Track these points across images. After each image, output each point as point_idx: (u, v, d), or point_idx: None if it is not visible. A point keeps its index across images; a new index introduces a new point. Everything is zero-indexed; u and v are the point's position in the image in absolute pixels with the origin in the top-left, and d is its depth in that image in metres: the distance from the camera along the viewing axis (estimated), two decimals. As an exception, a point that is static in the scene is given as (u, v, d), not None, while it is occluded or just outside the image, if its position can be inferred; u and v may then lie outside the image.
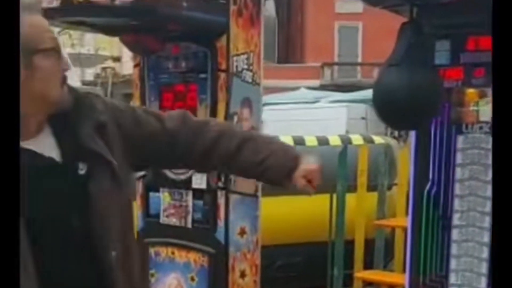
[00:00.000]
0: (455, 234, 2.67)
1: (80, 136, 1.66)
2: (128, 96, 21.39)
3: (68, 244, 1.63)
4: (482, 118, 2.56)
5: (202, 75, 3.75)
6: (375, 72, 24.94)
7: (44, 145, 1.64)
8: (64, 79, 1.67)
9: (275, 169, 1.86)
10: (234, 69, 3.64)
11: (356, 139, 6.91)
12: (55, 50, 1.64)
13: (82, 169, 1.65)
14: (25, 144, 1.59)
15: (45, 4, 3.39)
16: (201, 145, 1.88)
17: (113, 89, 21.00)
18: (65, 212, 1.63)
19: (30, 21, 1.59)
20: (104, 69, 23.36)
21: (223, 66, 3.64)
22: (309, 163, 1.85)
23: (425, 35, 2.27)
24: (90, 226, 1.64)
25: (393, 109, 2.23)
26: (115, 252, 1.66)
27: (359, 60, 26.56)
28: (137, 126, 1.80)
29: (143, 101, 3.97)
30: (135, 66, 4.06)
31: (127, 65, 23.11)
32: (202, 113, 3.68)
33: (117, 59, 24.40)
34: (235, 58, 3.64)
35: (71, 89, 1.73)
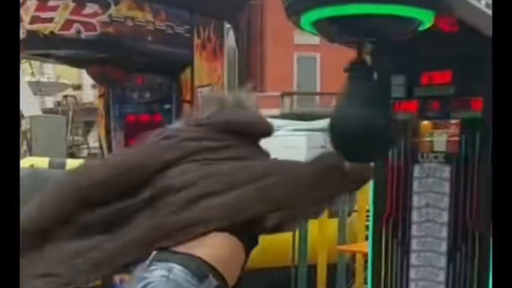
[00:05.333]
0: (413, 258, 2.76)
1: None
2: (89, 124, 21.16)
3: None
4: (436, 148, 2.68)
5: (167, 106, 3.81)
6: (334, 102, 25.39)
7: None
8: None
9: None
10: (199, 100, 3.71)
11: (317, 167, 7.02)
12: None
13: None
14: None
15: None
16: None
17: (74, 117, 20.79)
18: None
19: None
20: (65, 97, 23.11)
21: (188, 98, 3.71)
22: None
23: (377, 69, 2.37)
24: None
25: (348, 142, 2.21)
26: None
27: (318, 90, 26.94)
28: None
29: (108, 131, 4.00)
30: (100, 96, 4.10)
31: (88, 93, 22.90)
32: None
33: (77, 87, 24.19)
34: (199, 90, 3.72)
35: None
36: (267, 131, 1.99)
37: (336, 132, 2.22)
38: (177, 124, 2.23)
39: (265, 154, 1.97)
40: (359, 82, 2.14)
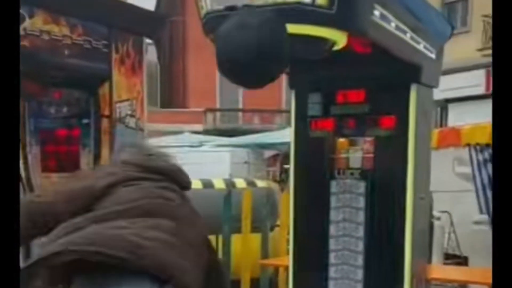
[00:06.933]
0: (332, 272, 2.82)
1: None
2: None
3: None
4: (352, 165, 2.75)
5: (85, 121, 3.74)
6: (256, 119, 25.63)
7: None
8: None
9: None
10: (118, 115, 3.67)
11: (240, 183, 7.06)
12: None
13: None
14: None
15: None
16: None
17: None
18: None
19: None
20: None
21: (106, 112, 3.65)
22: None
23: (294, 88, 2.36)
24: None
25: (238, 61, 1.95)
26: None
27: (240, 106, 27.15)
28: None
29: (23, 146, 3.86)
30: (14, 111, 3.96)
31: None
32: (85, 158, 3.66)
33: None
34: (118, 105, 3.67)
35: None
36: (187, 182, 2.01)
37: (225, 51, 1.99)
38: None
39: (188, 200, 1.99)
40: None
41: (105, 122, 3.66)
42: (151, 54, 20.96)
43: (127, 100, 3.70)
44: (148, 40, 4.06)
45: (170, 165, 2.01)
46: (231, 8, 1.94)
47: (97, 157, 3.61)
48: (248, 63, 1.92)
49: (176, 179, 1.98)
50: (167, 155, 2.03)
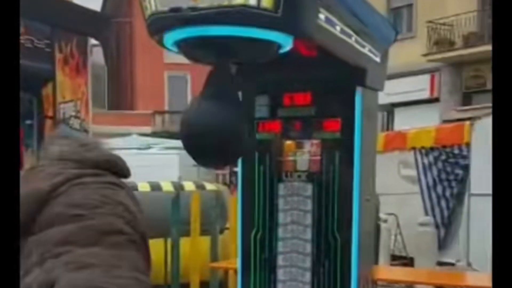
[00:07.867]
0: (280, 274, 2.82)
1: None
2: None
3: None
4: (299, 167, 2.76)
5: (28, 121, 3.66)
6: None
7: None
8: None
9: None
10: (61, 116, 3.59)
11: (188, 186, 7.02)
12: None
13: None
14: None
15: None
16: None
17: None
18: None
19: None
20: None
21: (50, 113, 3.58)
22: None
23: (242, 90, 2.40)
24: None
25: (199, 144, 2.08)
26: None
27: (190, 107, 27.03)
28: None
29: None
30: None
31: None
32: (29, 159, 3.58)
33: None
34: (62, 106, 3.60)
35: None
36: (127, 170, 1.96)
37: (187, 134, 2.11)
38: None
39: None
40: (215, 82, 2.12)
41: (48, 123, 3.59)
42: (98, 55, 20.61)
43: (71, 101, 3.63)
44: (95, 41, 3.98)
45: (109, 156, 1.95)
46: (176, 10, 1.92)
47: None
48: (215, 154, 2.15)
49: (117, 170, 1.93)
50: (101, 143, 1.98)
